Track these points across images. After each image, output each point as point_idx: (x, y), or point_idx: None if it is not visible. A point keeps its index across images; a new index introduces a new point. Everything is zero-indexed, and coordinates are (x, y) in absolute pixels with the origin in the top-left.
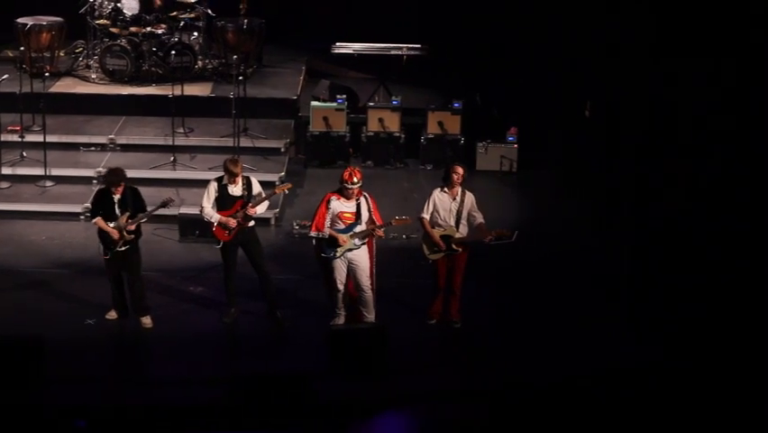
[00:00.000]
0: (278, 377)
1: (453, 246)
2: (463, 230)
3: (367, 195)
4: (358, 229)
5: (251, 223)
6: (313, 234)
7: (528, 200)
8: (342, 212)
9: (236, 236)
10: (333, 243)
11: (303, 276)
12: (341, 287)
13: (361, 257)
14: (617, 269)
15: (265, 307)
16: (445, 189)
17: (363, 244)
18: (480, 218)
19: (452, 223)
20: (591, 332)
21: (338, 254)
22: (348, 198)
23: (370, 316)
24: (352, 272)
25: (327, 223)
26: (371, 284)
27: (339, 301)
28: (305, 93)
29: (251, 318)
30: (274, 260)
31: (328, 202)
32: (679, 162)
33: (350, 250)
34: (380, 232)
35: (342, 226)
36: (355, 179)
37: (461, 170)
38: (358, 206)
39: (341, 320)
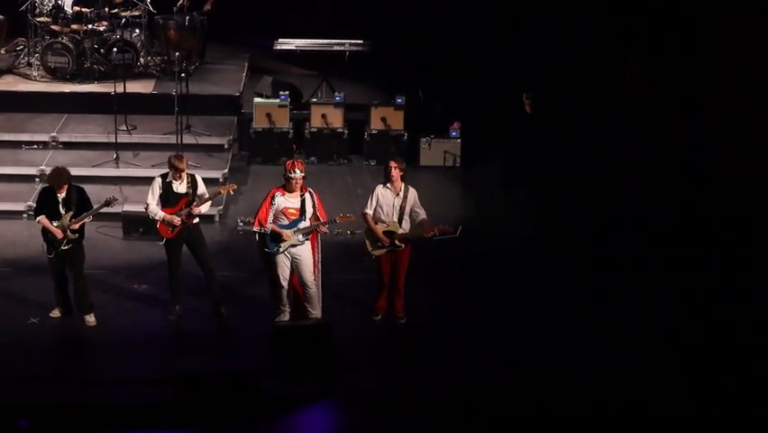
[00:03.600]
0: (223, 375)
1: (396, 242)
2: (406, 226)
3: (312, 191)
4: (302, 225)
5: (196, 220)
6: (256, 229)
7: (472, 195)
8: (287, 207)
9: (180, 233)
10: (276, 238)
11: (248, 273)
12: (284, 283)
13: (305, 253)
14: (562, 265)
15: (210, 304)
16: (388, 186)
17: (307, 239)
18: (422, 214)
19: (395, 219)
20: (533, 329)
21: (281, 250)
22: (291, 190)
23: (315, 312)
24: (295, 268)
25: (270, 218)
26: (316, 280)
27: (283, 298)
28: (247, 89)
29: (195, 316)
30: (219, 257)
31: (273, 198)
32: (626, 155)
33: (293, 246)
34: (325, 228)
35: (286, 222)
36: (297, 170)
37: (395, 165)
38: (302, 201)
39: (285, 317)
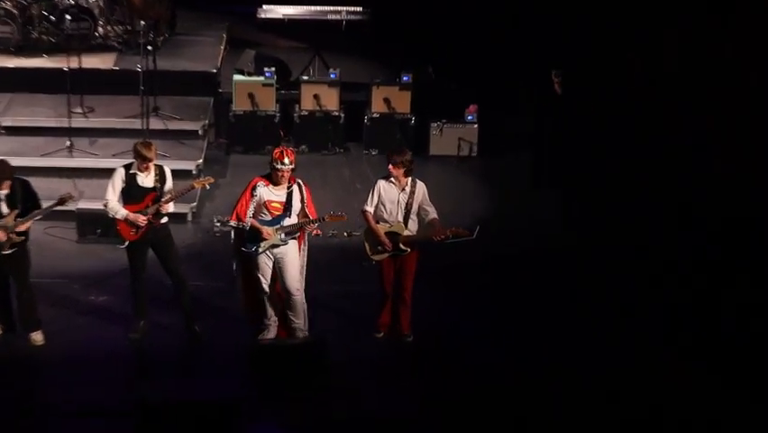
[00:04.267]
0: (195, 405)
1: (401, 246)
2: (413, 227)
3: (301, 183)
4: (287, 222)
5: (164, 219)
6: (232, 223)
7: (491, 191)
8: (270, 201)
9: (145, 235)
10: (255, 236)
11: (226, 282)
12: (266, 288)
13: (290, 254)
14: (596, 272)
15: (181, 319)
16: (392, 179)
17: (293, 239)
18: (433, 213)
19: (400, 218)
20: (564, 347)
21: (260, 250)
22: (278, 183)
23: (299, 321)
24: (278, 272)
25: (250, 212)
26: (302, 286)
27: (267, 309)
28: (226, 65)
29: (163, 333)
30: (191, 263)
31: (254, 188)
32: (668, 146)
33: (275, 246)
34: (316, 229)
35: (268, 218)
36: (286, 160)
37: (398, 159)
38: (289, 195)
39: (271, 333)
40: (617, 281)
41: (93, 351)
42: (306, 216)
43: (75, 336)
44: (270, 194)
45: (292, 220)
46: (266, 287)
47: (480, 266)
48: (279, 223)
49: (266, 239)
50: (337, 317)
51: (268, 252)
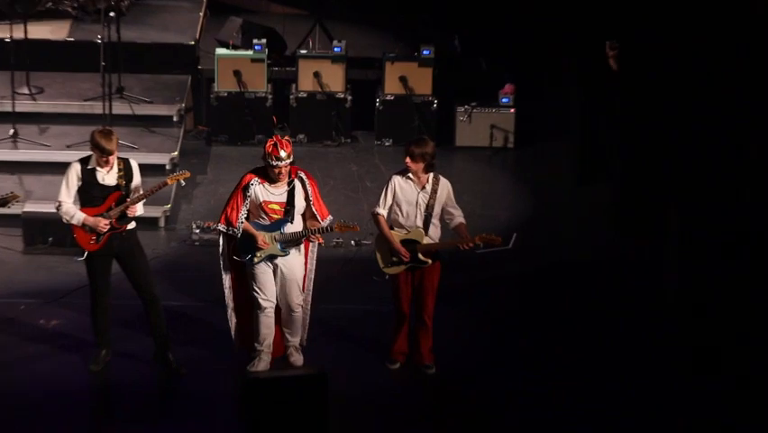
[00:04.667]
0: None
1: (421, 256)
2: (435, 233)
3: (304, 176)
4: (288, 229)
5: (131, 225)
6: (221, 227)
7: (531, 189)
8: (268, 201)
9: (108, 244)
10: (249, 244)
11: (208, 301)
12: (265, 304)
13: (294, 265)
14: (657, 288)
15: (152, 346)
16: (409, 175)
17: (295, 249)
18: (459, 216)
19: (420, 223)
20: (621, 378)
21: (256, 261)
22: (274, 181)
23: (294, 339)
24: (278, 283)
25: (242, 214)
26: (305, 301)
27: (261, 331)
28: (206, 37)
29: (131, 364)
30: (165, 278)
31: (246, 187)
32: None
33: (273, 256)
34: (319, 237)
35: (266, 222)
36: (282, 153)
37: (417, 151)
38: (290, 193)
39: (262, 364)
40: (683, 302)
41: (44, 387)
42: (314, 216)
43: (20, 371)
44: (267, 193)
45: (295, 225)
46: (264, 302)
47: (517, 282)
48: (280, 229)
49: (262, 248)
50: (342, 345)
51: (266, 261)
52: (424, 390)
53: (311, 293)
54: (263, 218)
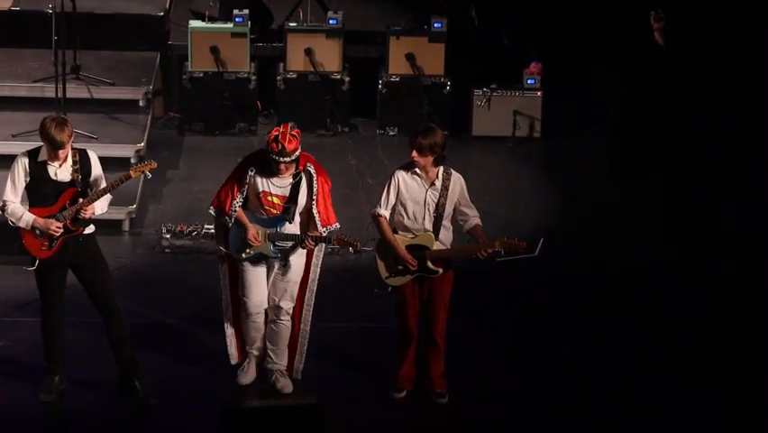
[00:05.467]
0: None
1: (430, 265)
2: (446, 237)
3: (313, 169)
4: (287, 228)
5: (89, 229)
6: (212, 211)
7: (559, 186)
8: (267, 193)
9: (63, 251)
10: (240, 237)
11: (180, 317)
12: (252, 309)
13: (293, 262)
14: (704, 301)
15: (115, 371)
16: (416, 170)
17: (291, 251)
18: (474, 217)
19: (428, 225)
20: (668, 410)
21: (244, 255)
22: (276, 173)
23: (279, 362)
24: (270, 287)
25: (238, 201)
26: (304, 311)
27: (250, 332)
28: (178, 6)
29: (89, 393)
30: (130, 291)
31: (245, 172)
32: None
33: (264, 256)
34: (311, 243)
35: (264, 216)
36: (286, 150)
37: (424, 142)
38: (294, 186)
39: (249, 372)
40: (735, 315)
41: None
42: (312, 217)
43: None
44: (268, 184)
45: (295, 226)
46: (251, 307)
47: (544, 294)
48: (276, 227)
49: (252, 244)
50: (339, 370)
51: (257, 260)
52: (434, 423)
53: (311, 310)
54: (261, 212)
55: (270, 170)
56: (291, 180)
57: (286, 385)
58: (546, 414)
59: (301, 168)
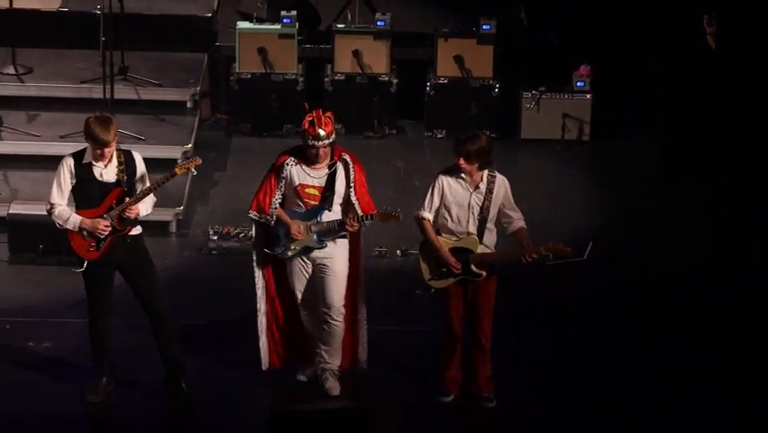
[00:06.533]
0: None
1: (474, 268)
2: (490, 239)
3: (349, 158)
4: (326, 216)
5: (137, 229)
6: (252, 215)
7: (609, 189)
8: (304, 185)
9: (110, 252)
10: (282, 234)
11: (227, 319)
12: (305, 302)
13: (336, 260)
14: (758, 303)
15: (161, 372)
16: (462, 174)
17: (335, 240)
18: (518, 220)
19: (472, 229)
20: (711, 413)
21: (289, 253)
22: (313, 162)
23: (332, 362)
24: (318, 283)
25: (276, 199)
26: (354, 308)
27: (307, 328)
28: (226, 8)
29: (136, 394)
30: (176, 292)
31: (281, 167)
32: None
33: (309, 248)
34: (353, 223)
35: (301, 210)
36: (321, 131)
37: (470, 148)
38: (330, 176)
39: (304, 374)
40: None
41: (36, 418)
42: (351, 204)
43: (5, 403)
44: (304, 176)
45: (334, 213)
46: (304, 305)
47: (591, 297)
48: (316, 217)
49: (296, 238)
50: (386, 373)
51: (303, 255)
52: (480, 427)
53: (364, 301)
54: (299, 205)
55: (306, 160)
56: (327, 171)
57: (334, 387)
58: (591, 417)
59: (336, 158)
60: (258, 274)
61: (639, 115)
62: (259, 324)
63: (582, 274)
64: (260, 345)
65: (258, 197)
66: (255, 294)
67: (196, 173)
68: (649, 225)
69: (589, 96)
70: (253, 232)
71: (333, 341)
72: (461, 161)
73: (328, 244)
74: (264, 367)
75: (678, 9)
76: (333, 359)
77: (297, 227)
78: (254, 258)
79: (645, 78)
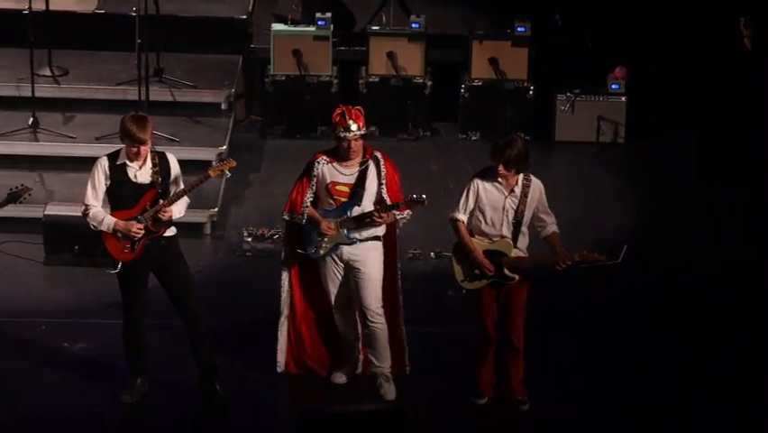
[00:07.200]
0: None
1: (507, 272)
2: (524, 243)
3: (380, 156)
4: (356, 211)
5: (170, 231)
6: (285, 216)
7: (644, 192)
8: (335, 182)
9: (144, 253)
10: (314, 232)
11: (260, 321)
12: (338, 303)
13: (369, 260)
14: None
15: (194, 373)
16: (499, 179)
17: (367, 239)
18: (552, 224)
19: (506, 232)
20: (741, 415)
21: (321, 251)
22: (344, 158)
23: (382, 364)
24: (353, 286)
25: (308, 198)
26: (389, 309)
27: (341, 329)
28: (260, 9)
29: (169, 394)
30: (210, 293)
31: (313, 165)
32: None
33: (339, 244)
34: (384, 216)
35: (333, 207)
36: (352, 123)
37: (508, 153)
38: (362, 173)
39: (336, 377)
40: None
41: (67, 421)
42: (382, 202)
43: (40, 402)
44: (336, 173)
45: (364, 208)
46: (337, 303)
47: (625, 302)
48: (346, 212)
49: (327, 235)
50: (419, 375)
51: (335, 255)
52: (515, 428)
53: (401, 302)
54: (330, 204)
55: (338, 158)
56: (358, 168)
57: (388, 392)
58: (618, 420)
59: (368, 156)
60: (284, 277)
61: (674, 117)
62: (279, 325)
63: (615, 276)
64: (278, 346)
65: (291, 197)
66: (280, 296)
67: (230, 175)
68: (684, 229)
69: (624, 98)
70: (282, 233)
71: (378, 343)
72: (501, 168)
73: (360, 242)
74: (279, 369)
75: (714, 11)
76: (381, 361)
77: (327, 224)
78: (282, 260)
79: (681, 81)
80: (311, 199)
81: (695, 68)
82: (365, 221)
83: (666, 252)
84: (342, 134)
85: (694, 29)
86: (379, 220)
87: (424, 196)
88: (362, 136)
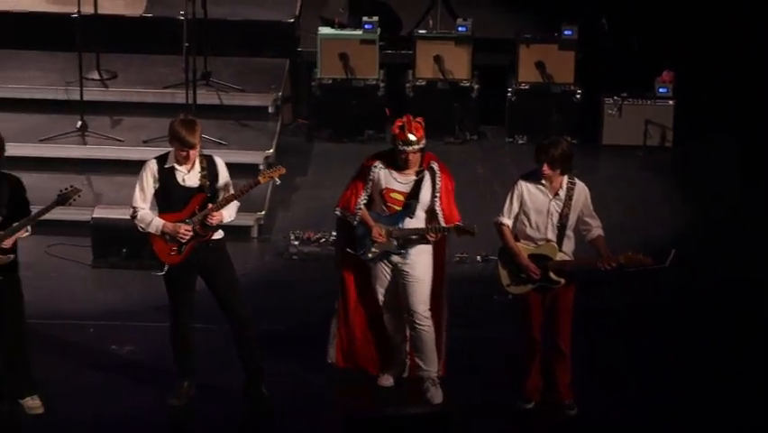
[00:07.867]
0: None
1: (552, 275)
2: (569, 246)
3: (437, 167)
4: (407, 223)
5: (218, 234)
6: (337, 212)
7: (692, 196)
8: (390, 189)
9: (193, 257)
10: (365, 235)
11: (308, 324)
12: (386, 305)
13: (418, 263)
14: None
15: (242, 377)
16: (541, 180)
17: (414, 246)
18: (597, 228)
19: (551, 235)
20: None
21: (370, 255)
22: (401, 167)
23: (429, 368)
24: (401, 288)
25: (362, 200)
26: (434, 313)
27: (388, 331)
28: (308, 13)
29: (217, 398)
30: (258, 297)
31: (369, 169)
32: None
33: (388, 254)
34: (433, 236)
35: (386, 213)
36: (412, 137)
37: (552, 154)
38: (417, 183)
39: (382, 380)
40: None
41: (115, 424)
42: (434, 215)
43: (88, 404)
44: (391, 180)
45: (416, 220)
46: (386, 308)
47: (676, 307)
48: (398, 223)
49: (377, 240)
50: (465, 379)
51: (384, 260)
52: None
53: (446, 307)
54: (383, 210)
55: (395, 166)
56: (414, 177)
57: (435, 395)
58: (672, 424)
59: (425, 166)
60: (338, 272)
61: (722, 121)
62: (332, 319)
63: (663, 281)
64: (330, 336)
65: (345, 195)
66: (338, 293)
67: (279, 182)
68: (732, 233)
69: (671, 102)
70: (335, 233)
71: (425, 347)
72: (545, 168)
73: (408, 251)
74: (330, 360)
75: (762, 15)
76: (428, 365)
77: (378, 230)
78: (335, 259)
79: (729, 84)
80: (365, 201)
81: (743, 71)
82: (416, 236)
83: (714, 256)
84: (401, 147)
85: (741, 32)
86: (430, 239)
87: (474, 226)
88: (421, 149)
